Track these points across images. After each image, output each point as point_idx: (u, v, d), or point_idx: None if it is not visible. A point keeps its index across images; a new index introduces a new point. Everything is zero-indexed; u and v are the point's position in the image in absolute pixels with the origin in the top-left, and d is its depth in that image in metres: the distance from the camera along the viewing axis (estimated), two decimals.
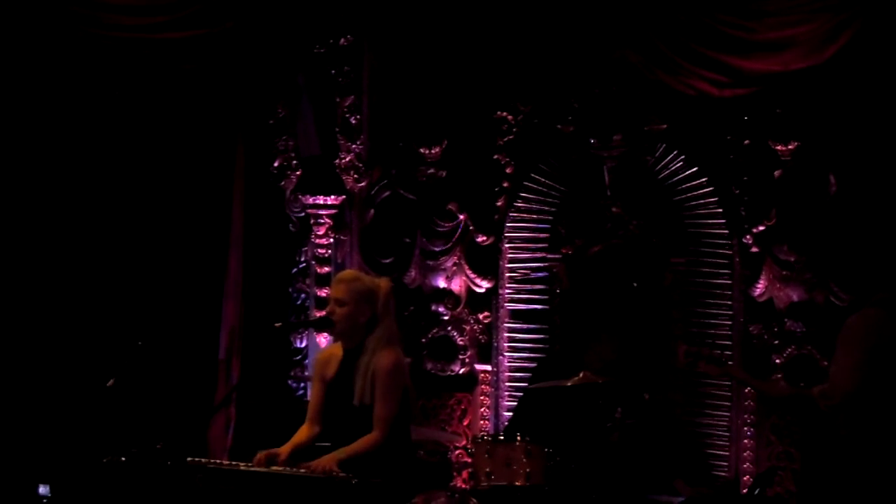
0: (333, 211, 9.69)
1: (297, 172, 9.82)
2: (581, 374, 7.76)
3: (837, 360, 6.34)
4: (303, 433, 6.02)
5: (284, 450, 5.90)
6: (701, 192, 9.06)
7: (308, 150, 9.78)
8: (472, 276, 9.52)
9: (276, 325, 8.62)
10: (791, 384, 8.66)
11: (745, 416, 8.84)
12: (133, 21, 9.00)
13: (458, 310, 9.57)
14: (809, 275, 8.74)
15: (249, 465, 5.82)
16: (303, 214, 9.81)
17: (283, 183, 9.87)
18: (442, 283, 9.61)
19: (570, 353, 8.48)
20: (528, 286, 9.43)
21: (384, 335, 5.87)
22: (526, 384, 8.93)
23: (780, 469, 8.65)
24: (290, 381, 9.72)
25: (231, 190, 9.76)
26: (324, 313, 6.13)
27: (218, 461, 6.18)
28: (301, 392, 9.67)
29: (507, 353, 9.44)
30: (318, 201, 9.70)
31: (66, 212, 9.55)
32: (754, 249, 8.88)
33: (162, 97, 9.44)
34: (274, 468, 5.78)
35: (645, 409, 8.42)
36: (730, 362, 6.90)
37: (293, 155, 9.84)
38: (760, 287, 8.85)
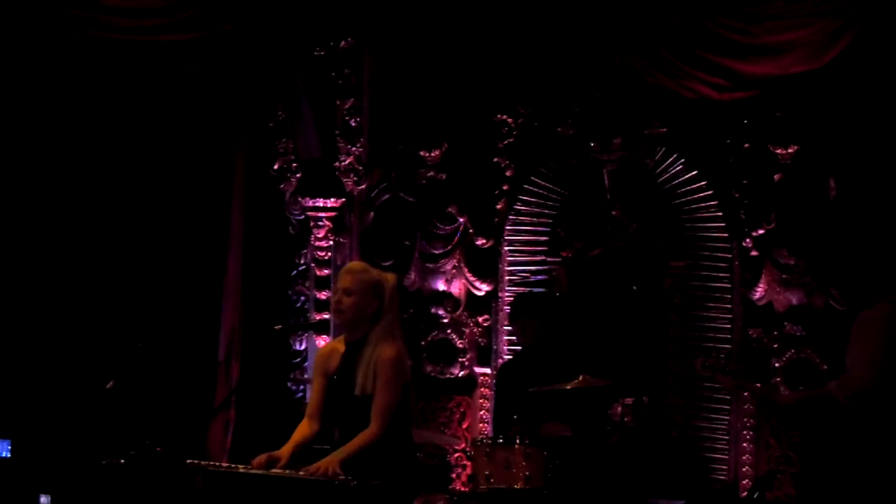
0: (333, 213, 9.69)
1: (297, 175, 9.83)
2: (581, 378, 7.76)
3: (853, 351, 6.44)
4: (302, 430, 6.01)
5: (285, 451, 5.90)
6: (701, 195, 9.06)
7: (308, 152, 9.78)
8: (472, 278, 9.53)
9: (276, 327, 8.62)
10: (790, 388, 8.66)
11: (745, 419, 8.84)
12: (132, 23, 8.99)
13: (458, 313, 9.57)
14: (809, 278, 8.74)
15: (249, 467, 5.82)
16: (302, 217, 9.81)
17: (282, 185, 9.87)
18: (441, 286, 9.61)
19: (568, 356, 8.46)
20: (528, 289, 9.43)
21: (388, 328, 5.90)
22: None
23: (779, 473, 8.65)
24: (289, 384, 9.72)
25: (231, 192, 9.76)
26: (324, 315, 6.13)
27: (217, 463, 6.18)
28: (300, 394, 9.67)
29: (506, 356, 9.43)
30: (317, 204, 9.70)
31: (65, 214, 9.55)
32: (754, 253, 8.88)
33: (162, 99, 9.46)
34: (273, 471, 5.78)
35: (644, 413, 8.42)
36: (741, 370, 6.95)
37: (293, 157, 9.84)
38: (760, 291, 8.85)
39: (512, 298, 8.87)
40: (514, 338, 9.39)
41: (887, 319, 6.39)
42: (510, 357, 8.98)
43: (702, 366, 6.87)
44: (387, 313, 5.93)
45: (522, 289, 9.40)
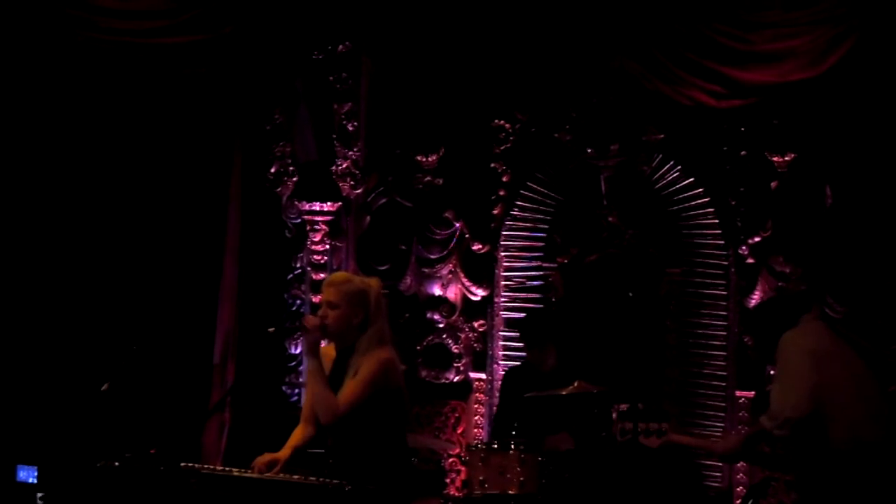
0: (330, 217, 9.69)
1: (294, 178, 9.82)
2: (576, 384, 7.76)
3: (776, 377, 6.09)
4: (298, 435, 6.01)
5: (283, 454, 5.90)
6: (697, 202, 9.07)
7: (305, 156, 9.78)
8: (468, 283, 9.53)
9: (270, 329, 8.62)
10: None
11: (740, 426, 8.83)
12: (131, 25, 9.00)
13: (454, 317, 9.57)
14: (805, 286, 8.74)
15: (243, 470, 5.81)
16: (299, 220, 9.81)
17: (279, 189, 9.86)
18: (437, 291, 9.61)
19: (564, 361, 8.45)
20: (524, 295, 9.43)
21: (376, 335, 5.86)
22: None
23: (773, 480, 8.65)
24: (284, 387, 9.71)
25: (228, 195, 9.76)
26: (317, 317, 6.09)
27: (212, 467, 6.17)
28: (295, 398, 9.66)
29: (501, 362, 9.43)
30: (314, 207, 9.69)
31: (62, 216, 9.54)
32: (750, 260, 8.89)
33: (160, 102, 9.45)
34: (267, 474, 5.78)
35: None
36: (665, 426, 6.59)
37: (290, 161, 9.84)
38: (756, 298, 8.85)
39: (524, 322, 8.56)
40: (509, 343, 9.42)
41: (811, 336, 6.03)
42: (516, 364, 8.95)
43: (621, 432, 6.57)
44: (374, 321, 5.89)
45: (518, 294, 9.42)
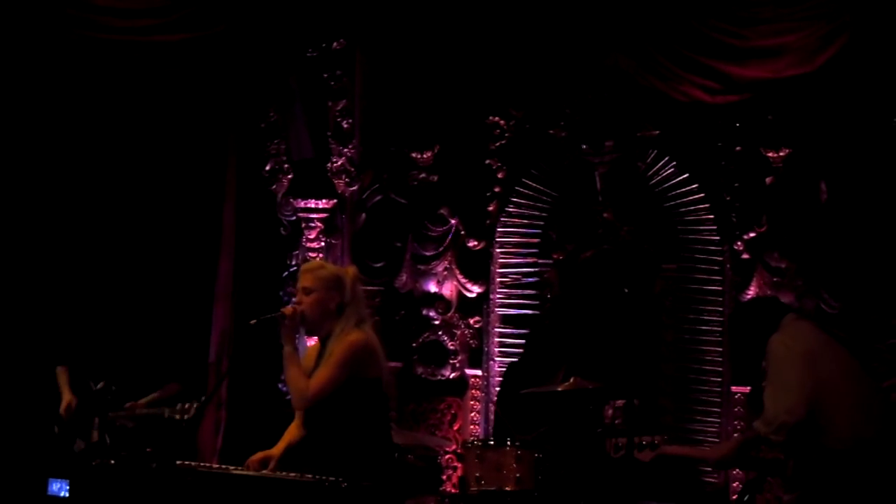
0: (325, 215, 9.69)
1: (289, 176, 9.82)
2: (572, 380, 7.76)
3: (767, 383, 5.98)
4: (293, 431, 6.01)
5: (277, 451, 5.90)
6: (692, 198, 9.08)
7: (300, 153, 9.77)
8: (464, 280, 9.53)
9: (251, 322, 8.62)
10: None
11: (735, 422, 8.85)
12: (125, 24, 8.99)
13: (449, 314, 9.57)
14: (800, 282, 8.75)
15: (238, 468, 5.81)
16: (294, 218, 9.80)
17: (274, 186, 9.86)
18: (433, 288, 9.61)
19: (556, 358, 8.45)
20: (519, 291, 9.43)
21: (352, 318, 5.85)
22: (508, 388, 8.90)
23: (769, 476, 8.65)
24: (279, 385, 9.71)
25: (223, 193, 9.76)
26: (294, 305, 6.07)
27: (207, 465, 6.17)
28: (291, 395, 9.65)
29: (497, 358, 9.44)
30: (309, 205, 9.69)
31: (58, 215, 9.53)
32: (745, 256, 8.90)
33: (154, 100, 9.44)
34: (263, 472, 5.78)
35: (635, 415, 8.43)
36: (658, 439, 6.60)
37: (285, 158, 9.83)
38: (751, 293, 8.86)
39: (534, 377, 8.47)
40: (505, 339, 9.43)
41: (800, 337, 5.99)
42: (515, 360, 8.96)
43: (615, 448, 6.59)
44: (349, 306, 5.90)
45: (514, 291, 9.42)
